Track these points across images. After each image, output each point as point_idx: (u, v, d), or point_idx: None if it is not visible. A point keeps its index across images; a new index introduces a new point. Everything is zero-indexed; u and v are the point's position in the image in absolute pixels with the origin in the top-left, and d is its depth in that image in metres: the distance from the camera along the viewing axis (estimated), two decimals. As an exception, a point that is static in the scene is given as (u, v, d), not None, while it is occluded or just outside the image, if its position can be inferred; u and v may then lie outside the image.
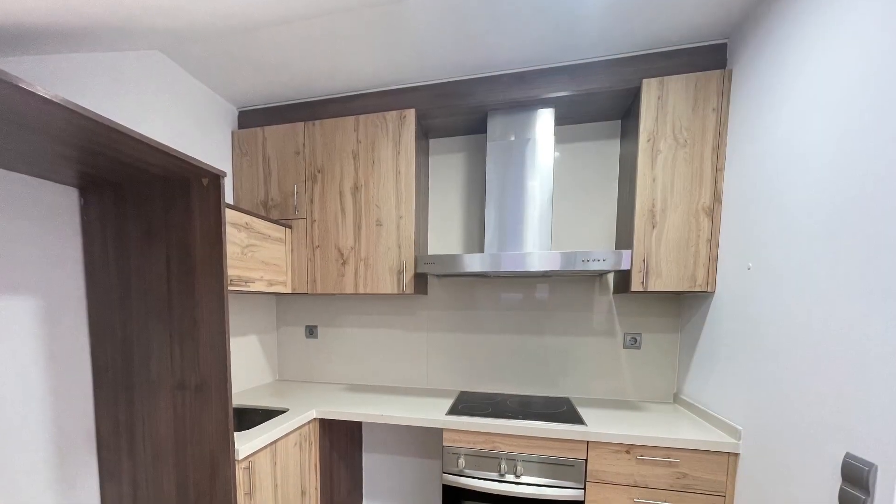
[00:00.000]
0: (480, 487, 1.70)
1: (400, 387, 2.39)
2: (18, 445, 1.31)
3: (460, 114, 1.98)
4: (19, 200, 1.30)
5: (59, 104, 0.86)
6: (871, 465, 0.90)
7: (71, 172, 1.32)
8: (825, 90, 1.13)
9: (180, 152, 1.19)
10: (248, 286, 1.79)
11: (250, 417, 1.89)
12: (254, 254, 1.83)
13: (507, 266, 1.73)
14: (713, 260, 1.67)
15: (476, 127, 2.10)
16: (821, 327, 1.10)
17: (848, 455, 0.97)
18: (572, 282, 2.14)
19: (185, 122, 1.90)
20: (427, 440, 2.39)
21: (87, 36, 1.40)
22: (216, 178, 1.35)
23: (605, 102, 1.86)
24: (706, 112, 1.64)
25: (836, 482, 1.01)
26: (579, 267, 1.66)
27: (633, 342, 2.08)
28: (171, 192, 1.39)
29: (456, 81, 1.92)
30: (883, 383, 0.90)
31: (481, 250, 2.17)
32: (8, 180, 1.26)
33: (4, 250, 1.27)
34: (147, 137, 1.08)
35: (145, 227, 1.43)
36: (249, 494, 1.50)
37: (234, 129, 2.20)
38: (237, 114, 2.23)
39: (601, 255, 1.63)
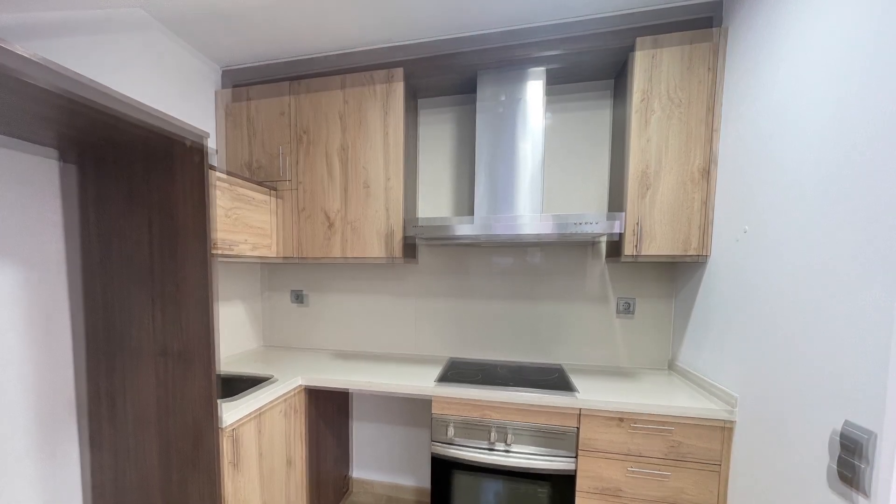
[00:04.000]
0: (470, 458, 1.67)
1: (389, 353, 2.36)
2: (-3, 411, 1.28)
3: (450, 73, 1.94)
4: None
5: (37, 63, 0.85)
6: (870, 433, 0.88)
7: (50, 134, 1.29)
8: (824, 49, 1.09)
9: (162, 112, 1.17)
10: (233, 250, 1.76)
11: (235, 385, 1.85)
12: (238, 217, 1.80)
13: (498, 230, 1.69)
14: (708, 224, 1.64)
15: (466, 87, 2.06)
16: (818, 293, 1.07)
17: (846, 423, 0.95)
18: (564, 247, 2.11)
19: (167, 82, 1.86)
20: (416, 409, 2.36)
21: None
22: (199, 139, 1.33)
23: (598, 62, 1.82)
24: (701, 71, 1.60)
25: (834, 450, 0.98)
26: (571, 231, 1.62)
27: (627, 308, 2.05)
28: (153, 154, 1.36)
29: (445, 40, 1.88)
30: (882, 350, 0.87)
31: (471, 214, 2.13)
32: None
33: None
34: (128, 97, 1.06)
35: (126, 190, 1.40)
36: (234, 464, 1.47)
37: (217, 90, 2.15)
38: (221, 73, 2.18)
39: (593, 218, 1.59)
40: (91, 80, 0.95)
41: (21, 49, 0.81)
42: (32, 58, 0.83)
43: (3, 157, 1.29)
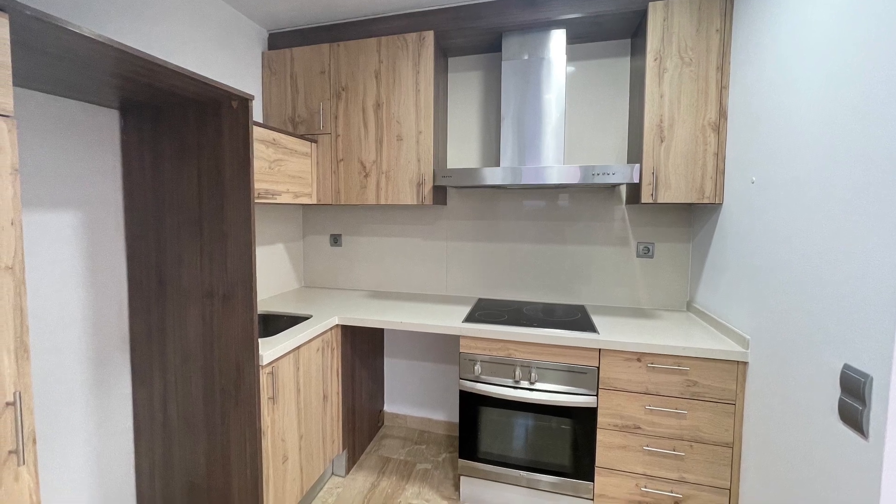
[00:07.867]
0: (496, 394, 1.74)
1: (420, 293, 2.47)
2: (56, 346, 1.39)
3: (476, 35, 2.08)
4: (67, 122, 1.40)
5: (104, 43, 0.96)
6: (867, 376, 0.91)
7: (112, 97, 1.42)
8: (825, 7, 1.13)
9: (212, 80, 1.28)
10: (275, 199, 1.87)
11: (276, 323, 1.96)
12: (281, 168, 1.92)
13: (521, 179, 1.79)
14: (720, 173, 1.72)
15: (493, 45, 2.20)
16: (823, 240, 1.10)
17: (846, 366, 0.98)
18: (587, 192, 2.21)
19: (217, 44, 1.98)
20: (446, 346, 2.47)
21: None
22: (245, 101, 1.43)
23: (615, 23, 1.94)
24: (710, 33, 1.70)
25: (837, 392, 1.02)
26: (591, 180, 1.71)
27: (646, 251, 2.14)
28: (203, 114, 1.47)
29: (472, 5, 2.01)
30: (881, 297, 0.89)
31: (497, 164, 2.25)
32: (57, 105, 1.37)
33: (52, 167, 1.36)
34: (182, 68, 1.16)
35: (179, 146, 1.51)
36: (273, 398, 1.56)
37: (264, 51, 2.31)
38: (267, 36, 2.34)
39: (612, 168, 1.68)
40: (150, 55, 1.06)
41: (89, 31, 0.91)
42: (99, 38, 0.93)
43: (73, 117, 1.41)
